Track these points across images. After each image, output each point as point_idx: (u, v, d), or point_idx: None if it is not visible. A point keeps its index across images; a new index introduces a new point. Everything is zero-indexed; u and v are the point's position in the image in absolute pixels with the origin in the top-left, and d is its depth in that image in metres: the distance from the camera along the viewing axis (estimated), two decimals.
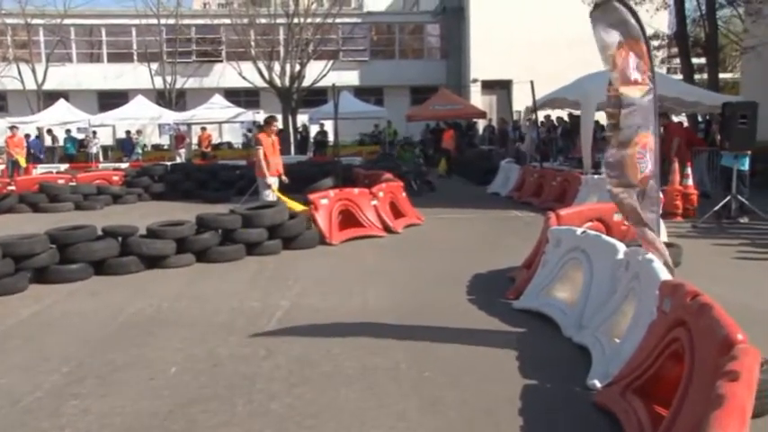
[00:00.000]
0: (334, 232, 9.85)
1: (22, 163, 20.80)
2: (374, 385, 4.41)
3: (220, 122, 28.03)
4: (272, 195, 10.54)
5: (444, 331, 5.50)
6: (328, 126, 26.69)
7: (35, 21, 31.12)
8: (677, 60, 22.67)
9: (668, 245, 5.96)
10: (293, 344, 5.27)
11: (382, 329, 5.59)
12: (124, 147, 26.38)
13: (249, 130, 26.91)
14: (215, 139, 28.53)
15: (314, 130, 27.97)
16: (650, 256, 4.59)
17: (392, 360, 4.86)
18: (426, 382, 4.47)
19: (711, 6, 19.26)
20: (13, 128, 21.66)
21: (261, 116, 26.58)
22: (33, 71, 30.71)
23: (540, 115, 20.01)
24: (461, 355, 4.96)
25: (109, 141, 28.26)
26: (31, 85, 30.73)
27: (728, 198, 11.01)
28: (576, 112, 18.74)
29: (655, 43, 21.74)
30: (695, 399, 2.79)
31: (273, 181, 10.68)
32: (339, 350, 5.09)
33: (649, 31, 20.64)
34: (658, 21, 21.81)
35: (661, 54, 22.60)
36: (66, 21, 31.97)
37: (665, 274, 4.23)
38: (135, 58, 33.14)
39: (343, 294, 6.83)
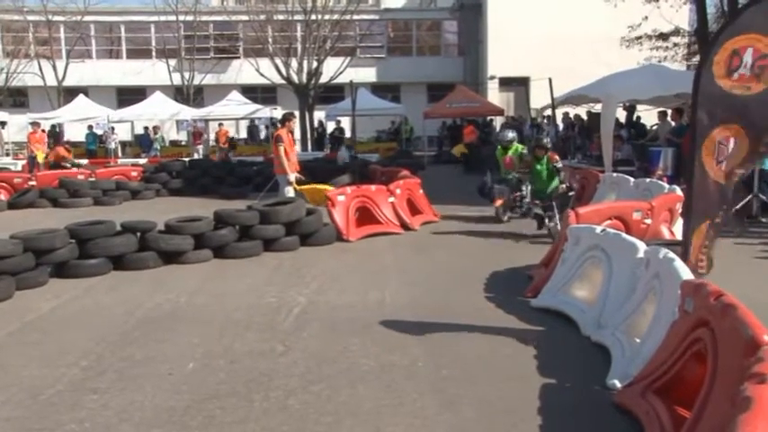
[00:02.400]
0: (352, 229, 9.84)
1: (40, 159, 20.96)
2: (391, 383, 4.40)
3: (237, 119, 28.13)
4: (292, 192, 10.54)
5: (462, 329, 5.47)
6: (344, 123, 26.71)
7: (56, 18, 31.45)
8: (698, 57, 22.39)
9: (678, 243, 5.87)
10: (310, 340, 5.28)
11: (399, 327, 5.57)
12: (142, 143, 26.57)
13: (267, 126, 27.02)
14: (232, 135, 28.65)
15: (330, 126, 28.00)
16: (671, 255, 4.54)
17: (409, 358, 4.84)
18: (444, 380, 4.45)
19: (733, 2, 18.97)
20: (34, 124, 21.88)
21: (278, 113, 26.68)
22: (54, 67, 31.03)
23: (558, 113, 19.86)
24: (479, 354, 4.93)
25: (127, 137, 28.47)
26: (51, 81, 31.05)
27: (750, 197, 10.86)
28: (596, 110, 18.58)
29: (675, 40, 21.50)
30: (719, 401, 2.75)
31: (294, 177, 10.68)
32: (356, 347, 5.09)
33: (669, 28, 20.61)
34: (680, 17, 21.54)
35: (682, 51, 22.31)
36: (87, 18, 32.27)
37: (686, 274, 4.17)
38: (153, 54, 33.37)
39: (360, 291, 6.82)
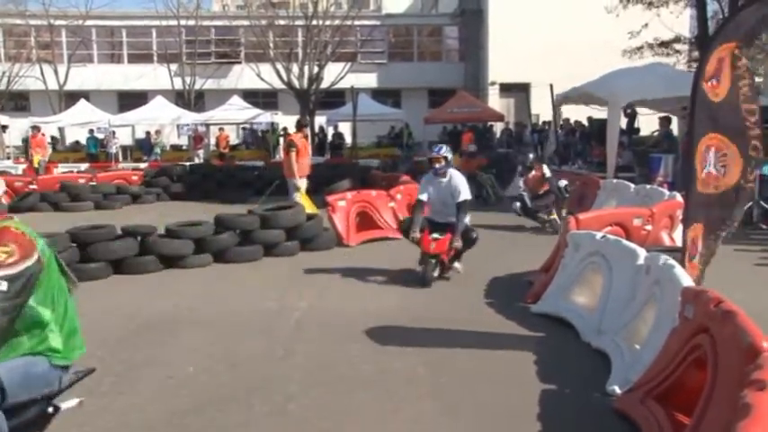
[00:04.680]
0: (352, 234, 9.85)
1: (35, 163, 20.92)
2: (391, 388, 4.40)
3: (238, 123, 28.18)
4: (299, 197, 10.65)
5: (461, 335, 5.48)
6: (342, 128, 26.73)
7: (58, 22, 31.49)
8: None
9: (677, 249, 5.89)
10: (310, 345, 5.28)
11: (399, 332, 5.57)
12: (143, 147, 26.62)
13: (267, 131, 27.05)
14: (232, 140, 28.71)
15: (331, 132, 28.04)
16: (672, 261, 4.54)
17: (409, 363, 4.84)
18: (443, 386, 4.45)
19: (734, 8, 18.98)
20: (35, 128, 21.91)
21: (279, 117, 26.72)
22: (55, 72, 31.03)
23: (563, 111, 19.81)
24: (479, 359, 4.93)
25: (129, 141, 28.51)
26: (53, 85, 31.05)
27: (750, 204, 10.85)
28: (597, 116, 18.57)
29: (677, 47, 21.54)
30: (719, 407, 2.75)
31: (302, 183, 10.82)
32: (356, 352, 5.09)
33: (670, 35, 20.60)
34: (680, 24, 21.58)
35: (683, 58, 22.35)
36: (88, 22, 32.30)
37: (687, 280, 4.17)
38: (155, 59, 33.41)
39: (360, 296, 6.82)
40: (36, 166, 20.72)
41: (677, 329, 3.74)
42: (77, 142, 28.22)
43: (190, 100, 31.34)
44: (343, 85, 27.65)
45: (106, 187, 15.99)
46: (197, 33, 32.28)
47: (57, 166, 22.53)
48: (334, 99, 29.92)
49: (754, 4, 4.60)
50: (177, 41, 32.25)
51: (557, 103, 17.55)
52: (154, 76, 32.49)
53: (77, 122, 25.86)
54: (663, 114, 15.93)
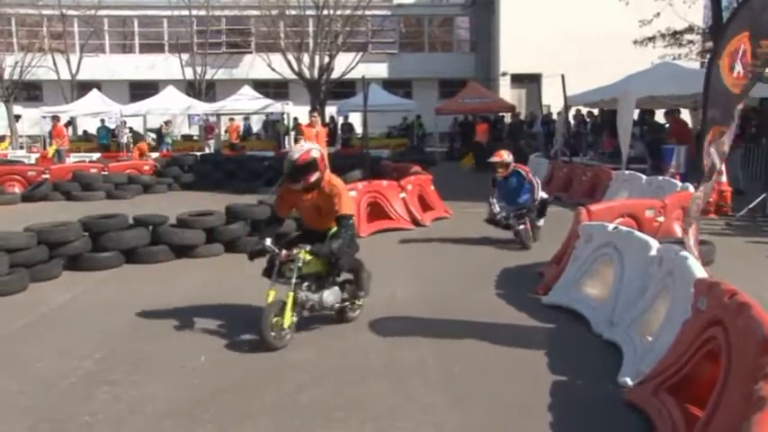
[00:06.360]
0: (363, 225, 9.84)
1: (51, 153, 20.98)
2: (401, 379, 4.40)
3: (249, 114, 28.21)
4: None
5: (472, 325, 5.47)
6: (353, 118, 26.68)
7: (70, 12, 31.60)
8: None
9: (701, 242, 5.86)
10: (321, 335, 5.29)
11: (410, 323, 5.57)
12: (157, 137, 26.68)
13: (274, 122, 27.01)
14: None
15: (341, 122, 28.02)
16: (685, 253, 4.51)
17: (419, 354, 4.84)
18: (454, 376, 4.44)
19: None
20: (54, 118, 22.07)
21: (290, 107, 26.73)
22: (68, 61, 31.16)
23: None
24: (490, 350, 4.92)
25: (140, 132, 28.59)
26: (65, 75, 31.20)
27: (764, 195, 10.78)
28: (609, 106, 18.45)
29: (689, 37, 21.33)
30: (732, 400, 2.73)
31: None
32: (367, 343, 5.09)
33: (683, 25, 20.39)
34: (694, 13, 21.35)
35: (696, 48, 22.12)
36: (100, 12, 32.40)
37: (700, 272, 4.14)
38: (166, 49, 33.48)
39: (371, 287, 6.80)
40: (51, 155, 20.78)
41: (690, 321, 3.71)
42: (85, 132, 28.34)
43: (201, 90, 31.41)
44: (353, 75, 27.60)
45: (118, 177, 16.06)
46: (208, 23, 32.33)
47: (69, 155, 22.62)
48: (344, 89, 29.89)
49: None
50: (188, 31, 32.33)
51: (569, 103, 17.45)
52: (165, 65, 32.60)
53: (89, 112, 25.97)
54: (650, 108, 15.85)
